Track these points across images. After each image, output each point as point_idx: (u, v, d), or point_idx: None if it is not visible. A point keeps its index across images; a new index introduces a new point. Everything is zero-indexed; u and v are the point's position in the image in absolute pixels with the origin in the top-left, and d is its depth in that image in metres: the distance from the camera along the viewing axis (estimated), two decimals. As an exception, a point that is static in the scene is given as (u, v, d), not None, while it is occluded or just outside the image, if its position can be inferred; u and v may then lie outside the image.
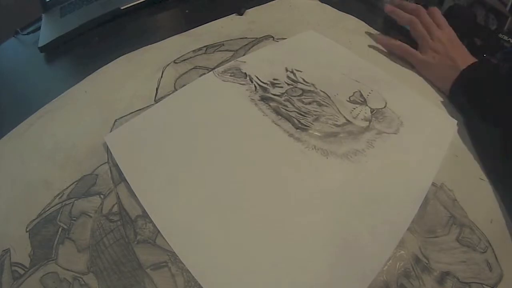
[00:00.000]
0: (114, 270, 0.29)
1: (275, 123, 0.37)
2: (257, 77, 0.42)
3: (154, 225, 0.31)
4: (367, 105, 0.39)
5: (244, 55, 0.47)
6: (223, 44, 0.50)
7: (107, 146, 0.37)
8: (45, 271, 0.29)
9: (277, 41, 0.49)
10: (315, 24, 0.53)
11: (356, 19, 0.54)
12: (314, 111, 0.38)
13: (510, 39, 0.48)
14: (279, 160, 0.35)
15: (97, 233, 0.31)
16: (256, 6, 0.58)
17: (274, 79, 0.42)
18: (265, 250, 0.29)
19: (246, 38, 0.50)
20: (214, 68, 0.45)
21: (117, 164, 0.35)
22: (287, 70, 0.43)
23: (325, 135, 0.36)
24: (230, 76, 0.43)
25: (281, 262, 0.28)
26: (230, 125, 0.38)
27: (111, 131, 0.39)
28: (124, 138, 0.38)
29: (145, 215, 0.32)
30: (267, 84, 0.41)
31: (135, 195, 0.33)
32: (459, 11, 0.51)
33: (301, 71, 0.43)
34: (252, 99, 0.40)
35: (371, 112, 0.38)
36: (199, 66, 0.46)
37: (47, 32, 0.60)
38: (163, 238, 0.30)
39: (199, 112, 0.40)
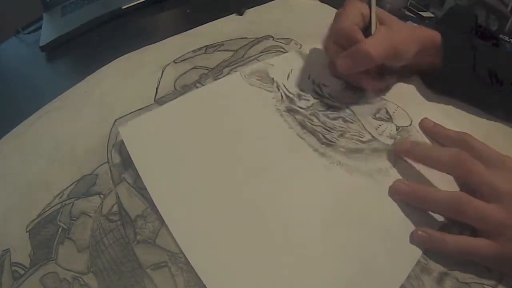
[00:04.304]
0: (114, 270, 0.29)
1: (300, 137, 0.37)
2: (284, 85, 0.42)
3: (154, 225, 0.31)
4: (392, 122, 0.38)
5: (244, 55, 0.47)
6: (223, 44, 0.50)
7: (107, 146, 0.37)
8: (45, 271, 0.29)
9: (276, 46, 0.48)
10: (315, 24, 0.53)
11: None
12: (339, 127, 0.37)
13: (511, 39, 0.48)
14: (303, 175, 0.34)
15: (97, 233, 0.31)
16: (256, 6, 0.58)
17: (301, 90, 0.41)
18: (279, 267, 0.28)
19: (246, 38, 0.50)
20: (213, 68, 0.45)
21: (117, 164, 0.36)
22: (313, 83, 0.42)
23: (350, 151, 0.35)
24: (257, 80, 0.42)
25: (294, 281, 0.28)
26: (254, 132, 0.37)
27: (111, 131, 0.39)
28: (140, 131, 0.37)
29: (145, 215, 0.32)
30: (294, 95, 0.41)
31: (135, 195, 0.33)
32: (460, 12, 0.51)
33: (327, 86, 0.42)
34: (278, 109, 0.39)
35: (397, 129, 0.37)
36: (199, 66, 0.46)
37: (48, 32, 0.60)
38: (164, 237, 0.30)
39: (223, 113, 0.39)
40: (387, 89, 0.41)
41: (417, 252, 0.29)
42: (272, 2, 0.59)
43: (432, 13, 0.57)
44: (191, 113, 0.39)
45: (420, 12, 0.58)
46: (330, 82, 0.42)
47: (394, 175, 0.34)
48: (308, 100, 0.40)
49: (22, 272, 0.30)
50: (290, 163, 0.35)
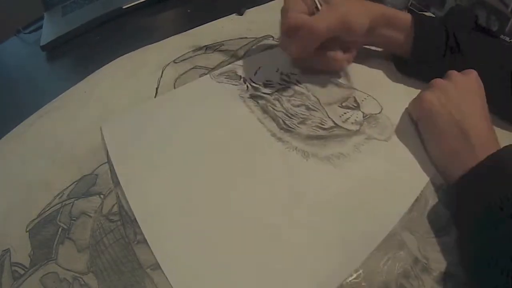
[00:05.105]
0: (114, 270, 0.29)
1: (260, 121, 0.38)
2: (250, 79, 0.42)
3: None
4: (360, 110, 0.38)
5: (244, 55, 0.47)
6: (223, 44, 0.50)
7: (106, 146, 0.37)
8: (45, 271, 0.29)
9: (275, 46, 0.48)
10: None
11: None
12: (301, 114, 0.38)
13: (511, 40, 0.47)
14: (258, 159, 0.35)
15: (97, 233, 0.31)
16: (256, 6, 0.58)
17: (267, 81, 0.42)
18: (233, 248, 0.30)
19: (246, 38, 0.50)
20: (214, 68, 0.45)
21: (117, 164, 0.36)
22: (282, 74, 0.43)
23: (308, 137, 0.36)
24: (225, 78, 0.43)
25: (247, 261, 0.29)
26: (217, 122, 0.38)
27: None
28: (120, 129, 0.39)
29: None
30: (259, 84, 0.41)
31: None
32: (461, 12, 0.51)
33: (295, 74, 0.42)
34: (241, 96, 0.40)
35: (363, 116, 0.37)
36: (199, 66, 0.46)
37: (48, 31, 0.60)
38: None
39: (192, 112, 0.40)
40: (357, 75, 0.42)
41: (374, 241, 0.29)
42: (272, 2, 0.59)
43: (433, 13, 0.57)
44: (163, 114, 0.40)
45: (420, 13, 0.58)
46: (299, 72, 0.43)
47: (357, 160, 0.34)
48: (274, 86, 0.41)
49: (22, 272, 0.30)
50: (246, 147, 0.36)
